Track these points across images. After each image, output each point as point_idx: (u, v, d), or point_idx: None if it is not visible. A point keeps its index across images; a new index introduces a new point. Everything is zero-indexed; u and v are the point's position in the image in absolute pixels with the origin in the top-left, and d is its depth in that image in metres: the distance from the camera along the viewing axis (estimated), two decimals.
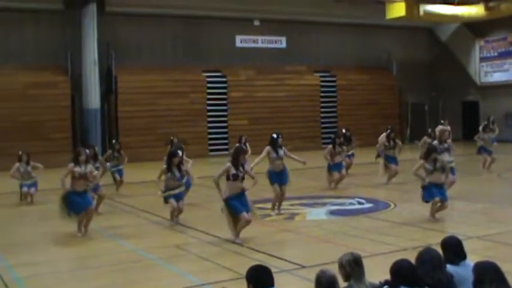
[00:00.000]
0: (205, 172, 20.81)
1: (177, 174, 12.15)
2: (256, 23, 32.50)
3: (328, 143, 30.69)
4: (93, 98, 27.46)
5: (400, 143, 18.43)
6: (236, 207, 10.13)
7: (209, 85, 30.60)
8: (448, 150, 14.19)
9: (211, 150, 30.08)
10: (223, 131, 30.73)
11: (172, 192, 11.95)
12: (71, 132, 27.43)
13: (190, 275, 8.41)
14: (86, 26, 27.25)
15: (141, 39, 29.79)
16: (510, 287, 4.90)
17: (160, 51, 30.15)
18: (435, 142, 14.33)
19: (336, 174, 16.91)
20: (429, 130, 19.39)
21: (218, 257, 9.41)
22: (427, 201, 11.65)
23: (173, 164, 12.13)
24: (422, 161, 11.79)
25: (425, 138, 18.28)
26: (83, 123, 27.85)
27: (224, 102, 30.88)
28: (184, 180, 12.49)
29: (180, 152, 12.88)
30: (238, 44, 32.23)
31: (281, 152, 13.28)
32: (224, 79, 31.06)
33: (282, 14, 31.56)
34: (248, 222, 10.21)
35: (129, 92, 28.49)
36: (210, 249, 10.00)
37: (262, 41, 32.90)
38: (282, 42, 33.33)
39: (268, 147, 13.25)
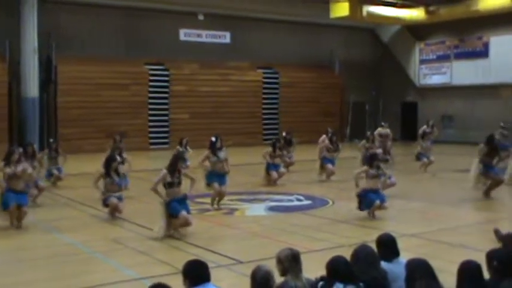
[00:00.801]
0: (145, 165, 20.75)
1: (116, 178, 12.07)
2: (201, 17, 32.35)
3: (269, 139, 30.96)
4: (31, 86, 26.81)
5: (340, 147, 18.78)
6: (175, 207, 10.13)
7: (151, 78, 30.35)
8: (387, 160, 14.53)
9: (152, 144, 29.86)
10: (165, 125, 30.53)
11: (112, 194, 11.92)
12: (7, 121, 26.77)
13: (127, 268, 8.35)
14: (25, 13, 26.54)
15: (83, 30, 29.26)
16: (439, 283, 5.04)
17: (103, 43, 29.67)
18: (379, 151, 14.67)
19: (274, 174, 17.02)
20: (368, 133, 19.65)
21: (155, 251, 9.36)
22: (366, 210, 11.86)
23: (112, 169, 12.01)
24: (366, 167, 12.00)
25: (364, 142, 18.56)
26: (21, 112, 27.20)
27: (166, 95, 30.67)
28: (123, 183, 12.53)
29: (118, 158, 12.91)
30: (182, 37, 32.03)
31: (221, 154, 13.31)
32: (167, 72, 30.85)
33: (227, 9, 31.46)
34: (187, 223, 10.21)
35: (69, 82, 27.97)
36: (148, 243, 9.93)
37: (206, 36, 32.78)
38: (226, 38, 33.28)
39: (207, 153, 13.27)
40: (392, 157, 15.16)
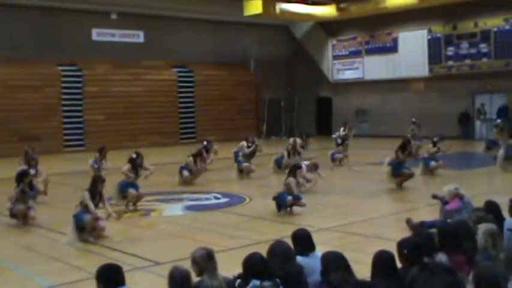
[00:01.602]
0: (59, 168, 20.22)
1: (30, 192, 11.78)
2: (114, 16, 31.77)
3: (186, 139, 30.86)
4: None
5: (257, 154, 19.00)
6: (81, 218, 9.97)
7: (64, 79, 29.60)
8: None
9: (66, 146, 29.15)
10: (79, 126, 29.84)
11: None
12: None
13: (39, 276, 8.08)
14: None
15: None
16: (354, 275, 5.12)
17: (13, 43, 28.61)
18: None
19: (185, 173, 16.92)
20: (290, 139, 19.85)
21: (70, 257, 9.12)
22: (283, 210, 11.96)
23: (25, 184, 11.65)
24: (291, 178, 12.11)
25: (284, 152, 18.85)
26: None
27: (80, 96, 29.98)
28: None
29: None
30: (94, 37, 31.35)
31: (141, 172, 13.18)
32: (80, 73, 30.15)
33: (140, 8, 31.05)
34: (98, 227, 10.02)
35: None
36: (62, 249, 9.66)
37: (119, 35, 32.23)
38: (139, 37, 32.82)
39: (127, 167, 13.08)
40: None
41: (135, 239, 10.32)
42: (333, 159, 20.66)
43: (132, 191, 12.88)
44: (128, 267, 7.26)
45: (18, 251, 9.58)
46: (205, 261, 5.17)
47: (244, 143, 19.35)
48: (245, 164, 18.14)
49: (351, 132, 22.49)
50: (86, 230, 9.96)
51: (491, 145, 19.54)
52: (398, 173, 15.00)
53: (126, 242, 9.92)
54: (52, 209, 13.36)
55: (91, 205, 9.97)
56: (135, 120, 30.72)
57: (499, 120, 22.87)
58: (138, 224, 11.71)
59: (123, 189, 12.93)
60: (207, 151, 19.57)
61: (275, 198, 11.96)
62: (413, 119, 24.53)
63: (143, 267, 8.29)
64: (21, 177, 11.74)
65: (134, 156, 13.41)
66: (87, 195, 10.08)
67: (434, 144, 18.01)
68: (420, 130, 24.03)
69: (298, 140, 20.05)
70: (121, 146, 27.45)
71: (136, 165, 13.29)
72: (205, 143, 19.98)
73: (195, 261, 5.20)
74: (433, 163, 17.52)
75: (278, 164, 18.81)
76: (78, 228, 9.92)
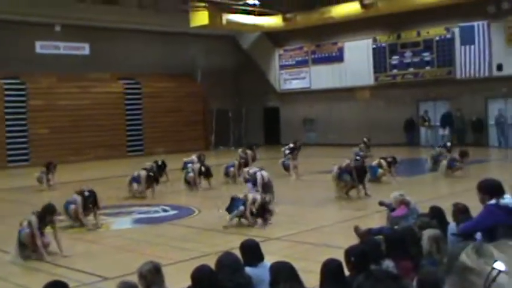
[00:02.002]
0: (3, 184, 19.77)
1: None
2: (57, 28, 31.24)
3: (133, 151, 30.58)
4: None
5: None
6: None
7: (7, 92, 28.97)
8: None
9: (10, 161, 28.51)
10: (23, 141, 29.23)
11: None
12: None
13: None
14: None
15: None
16: (303, 284, 5.14)
17: None
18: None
19: (134, 185, 16.71)
20: (239, 151, 19.88)
21: (14, 275, 8.91)
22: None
23: None
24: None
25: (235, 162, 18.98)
26: None
27: (23, 110, 29.38)
28: None
29: None
30: (38, 50, 30.78)
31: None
32: (23, 86, 29.55)
33: (84, 20, 30.64)
34: (44, 244, 9.84)
35: None
36: (5, 267, 9.41)
37: (64, 48, 31.73)
38: (85, 49, 32.38)
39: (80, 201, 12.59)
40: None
41: (82, 254, 10.14)
42: (285, 167, 20.72)
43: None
44: (74, 284, 7.15)
45: None
46: (153, 275, 5.13)
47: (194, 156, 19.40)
48: (191, 175, 17.98)
49: (298, 152, 22.49)
50: (28, 246, 9.73)
51: (437, 159, 19.92)
52: (343, 178, 15.14)
53: (72, 258, 9.73)
54: None
55: (36, 233, 9.66)
56: (82, 134, 30.29)
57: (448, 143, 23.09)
58: (85, 238, 11.52)
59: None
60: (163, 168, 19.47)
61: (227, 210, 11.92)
62: (365, 138, 24.39)
63: (90, 283, 8.16)
64: None
65: (86, 193, 12.57)
66: (34, 221, 9.78)
67: (389, 164, 17.92)
68: (368, 150, 23.73)
69: (250, 152, 20.13)
70: (66, 161, 27.08)
71: (86, 204, 12.51)
72: (159, 162, 19.70)
73: (142, 276, 5.15)
74: (380, 171, 17.71)
75: (227, 172, 18.89)
76: (21, 245, 9.69)
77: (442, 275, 3.08)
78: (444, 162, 18.51)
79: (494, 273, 1.28)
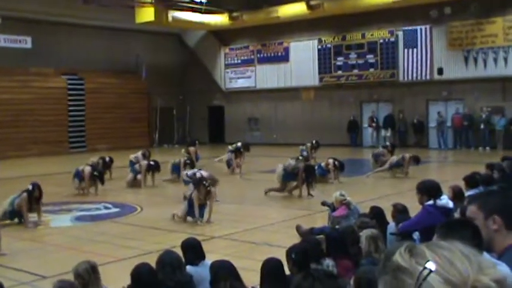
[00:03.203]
0: None
1: None
2: None
3: (75, 147, 30.10)
4: None
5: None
6: None
7: None
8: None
9: None
10: None
11: None
12: None
13: None
14: None
15: None
16: (243, 283, 5.16)
17: None
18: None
19: (76, 182, 16.48)
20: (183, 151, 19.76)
21: None
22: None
23: None
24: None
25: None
26: None
27: None
28: None
29: None
30: None
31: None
32: None
33: (28, 12, 29.97)
34: None
35: None
36: None
37: (4, 40, 30.93)
38: (27, 42, 31.62)
39: (24, 196, 12.19)
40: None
41: (19, 253, 9.90)
42: (229, 165, 20.77)
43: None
44: (12, 283, 7.01)
45: None
46: (89, 274, 5.07)
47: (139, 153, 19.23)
48: (139, 177, 17.80)
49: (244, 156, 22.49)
50: None
51: (377, 158, 20.20)
52: (287, 179, 15.24)
53: (10, 256, 9.49)
54: None
55: None
56: (23, 129, 29.66)
57: (387, 143, 23.45)
58: (23, 236, 11.27)
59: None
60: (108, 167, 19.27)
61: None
62: (314, 141, 24.32)
63: (29, 282, 8.00)
64: None
65: (30, 187, 12.26)
66: None
67: (335, 167, 17.98)
68: (313, 153, 23.59)
69: (192, 149, 20.04)
70: (7, 156, 26.50)
71: (31, 199, 12.17)
72: (107, 158, 19.51)
73: (79, 276, 5.08)
74: (328, 174, 17.78)
75: (175, 170, 18.72)
76: None
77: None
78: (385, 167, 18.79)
79: (425, 272, 1.32)
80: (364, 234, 5.98)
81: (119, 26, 33.85)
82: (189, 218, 11.89)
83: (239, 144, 21.93)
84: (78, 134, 32.53)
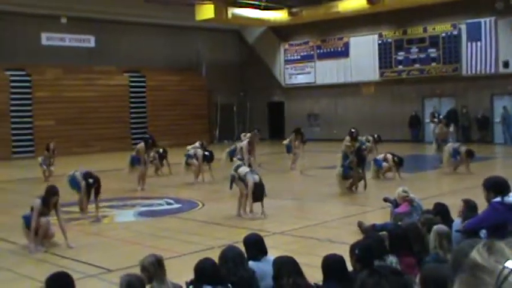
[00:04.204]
0: (8, 176, 19.84)
1: None
2: (63, 20, 31.31)
3: (138, 144, 30.55)
4: None
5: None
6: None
7: (12, 84, 29.04)
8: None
9: (15, 153, 28.58)
10: (28, 133, 29.31)
11: None
12: None
13: None
14: None
15: None
16: (305, 279, 5.14)
17: None
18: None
19: (141, 168, 16.76)
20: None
21: (19, 266, 8.92)
22: None
23: None
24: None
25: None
26: None
27: (29, 102, 29.46)
28: None
29: None
30: (44, 41, 30.83)
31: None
32: (28, 78, 29.64)
33: (91, 12, 30.69)
34: (49, 233, 9.85)
35: None
36: (11, 258, 9.46)
37: (69, 40, 31.75)
38: (90, 41, 32.41)
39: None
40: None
41: (86, 246, 10.15)
42: (288, 151, 20.72)
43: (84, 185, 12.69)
44: (79, 275, 7.18)
45: None
46: (155, 268, 5.14)
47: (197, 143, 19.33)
48: (195, 161, 17.93)
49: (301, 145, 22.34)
50: (38, 236, 9.75)
51: (441, 143, 19.79)
52: (348, 175, 15.10)
53: (77, 250, 9.75)
54: (1, 217, 13.07)
55: (35, 215, 9.66)
56: (87, 126, 30.33)
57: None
58: (89, 230, 11.55)
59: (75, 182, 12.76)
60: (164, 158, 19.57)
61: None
62: (375, 135, 23.94)
63: (95, 275, 8.17)
64: None
65: (91, 180, 12.67)
66: (38, 205, 9.80)
67: (395, 163, 17.73)
68: (373, 146, 23.23)
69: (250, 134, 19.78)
70: (72, 152, 27.15)
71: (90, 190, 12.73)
72: (161, 150, 19.86)
73: (144, 269, 5.17)
74: (385, 164, 17.58)
75: (231, 156, 18.77)
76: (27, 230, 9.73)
77: (446, 272, 3.09)
78: (449, 145, 18.37)
79: (506, 272, 1.28)
80: (434, 230, 5.88)
81: (179, 23, 34.26)
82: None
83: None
84: (140, 131, 33.02)
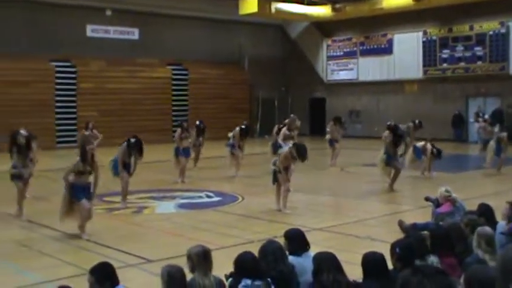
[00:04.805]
0: (52, 165, 20.14)
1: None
2: (108, 12, 31.69)
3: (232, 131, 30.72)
4: None
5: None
6: (78, 192, 9.90)
7: (58, 75, 29.52)
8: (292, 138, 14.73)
9: (59, 142, 29.06)
10: (72, 123, 29.74)
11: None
12: None
13: (29, 272, 8.06)
14: None
15: None
16: (345, 275, 5.12)
17: (5, 38, 28.52)
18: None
19: (183, 160, 16.90)
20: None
21: (62, 252, 9.09)
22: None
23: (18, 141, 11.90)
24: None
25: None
26: None
27: (73, 93, 29.92)
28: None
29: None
30: (89, 33, 31.26)
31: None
32: (73, 69, 30.09)
33: (135, 5, 31.01)
34: (88, 214, 9.96)
35: None
36: (54, 244, 9.65)
37: (114, 32, 32.14)
38: (134, 34, 32.75)
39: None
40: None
41: (127, 236, 10.29)
42: (331, 144, 20.59)
43: (125, 175, 12.81)
44: (120, 264, 7.25)
45: (9, 246, 9.54)
46: (199, 259, 5.17)
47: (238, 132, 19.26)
48: (239, 153, 17.96)
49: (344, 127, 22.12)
50: (81, 220, 9.90)
51: (486, 143, 19.55)
52: (391, 162, 14.93)
53: (117, 239, 9.89)
54: (45, 204, 13.31)
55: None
56: (129, 117, 30.65)
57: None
58: (130, 221, 11.69)
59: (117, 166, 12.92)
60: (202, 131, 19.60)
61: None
62: (417, 121, 23.66)
63: (135, 265, 8.27)
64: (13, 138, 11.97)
65: (132, 140, 12.85)
66: (77, 163, 10.01)
67: (433, 153, 17.55)
68: (415, 132, 23.10)
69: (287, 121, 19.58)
70: (114, 143, 27.40)
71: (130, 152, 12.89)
72: (198, 122, 19.96)
73: (189, 257, 5.22)
74: (423, 157, 17.35)
75: (275, 148, 18.69)
76: (69, 204, 9.92)
77: (492, 274, 3.04)
78: (492, 143, 18.22)
79: None
80: (478, 232, 5.80)
81: (222, 17, 34.37)
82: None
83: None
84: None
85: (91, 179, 10.15)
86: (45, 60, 29.28)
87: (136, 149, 12.75)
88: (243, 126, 18.45)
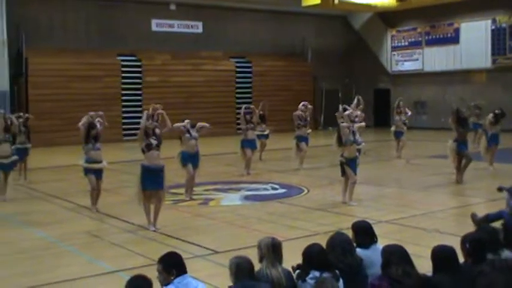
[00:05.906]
0: (119, 157, 20.57)
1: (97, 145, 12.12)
2: (173, 7, 32.11)
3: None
4: (1, 79, 26.37)
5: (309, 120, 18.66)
6: (151, 181, 10.05)
7: (124, 69, 30.07)
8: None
9: (126, 135, 29.60)
10: (138, 116, 30.17)
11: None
12: None
13: (101, 261, 8.26)
14: None
15: (54, 21, 28.90)
16: (415, 268, 5.05)
17: (74, 34, 29.29)
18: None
19: (248, 152, 16.96)
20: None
21: (131, 243, 9.28)
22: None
23: (91, 136, 11.95)
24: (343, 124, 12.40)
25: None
26: None
27: (139, 86, 30.43)
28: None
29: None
30: (154, 28, 31.75)
31: (194, 133, 13.34)
32: (139, 63, 30.59)
33: None
34: (159, 199, 10.14)
35: (40, 74, 27.60)
36: (123, 235, 9.86)
37: (178, 26, 32.53)
38: (198, 27, 33.08)
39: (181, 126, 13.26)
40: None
41: (193, 228, 10.42)
42: (396, 137, 20.28)
43: (190, 168, 12.97)
44: (187, 255, 7.36)
45: (81, 237, 9.79)
46: (267, 250, 5.19)
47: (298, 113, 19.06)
48: (303, 144, 17.81)
49: (405, 110, 21.51)
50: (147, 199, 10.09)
51: None
52: (462, 150, 14.55)
53: (184, 230, 10.03)
54: (113, 196, 13.60)
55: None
56: (193, 110, 30.84)
57: None
58: (196, 212, 11.84)
59: (184, 158, 13.12)
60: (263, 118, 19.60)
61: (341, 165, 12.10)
62: (478, 102, 22.92)
63: (202, 256, 8.37)
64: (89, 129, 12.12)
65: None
66: (143, 125, 10.84)
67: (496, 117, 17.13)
68: (479, 115, 22.40)
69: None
70: (177, 137, 27.74)
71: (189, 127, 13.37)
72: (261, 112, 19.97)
73: (259, 247, 5.25)
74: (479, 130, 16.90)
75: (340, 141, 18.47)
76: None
77: None
78: None
79: None
80: None
81: (284, 9, 34.32)
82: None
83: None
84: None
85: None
86: (113, 55, 29.89)
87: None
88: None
